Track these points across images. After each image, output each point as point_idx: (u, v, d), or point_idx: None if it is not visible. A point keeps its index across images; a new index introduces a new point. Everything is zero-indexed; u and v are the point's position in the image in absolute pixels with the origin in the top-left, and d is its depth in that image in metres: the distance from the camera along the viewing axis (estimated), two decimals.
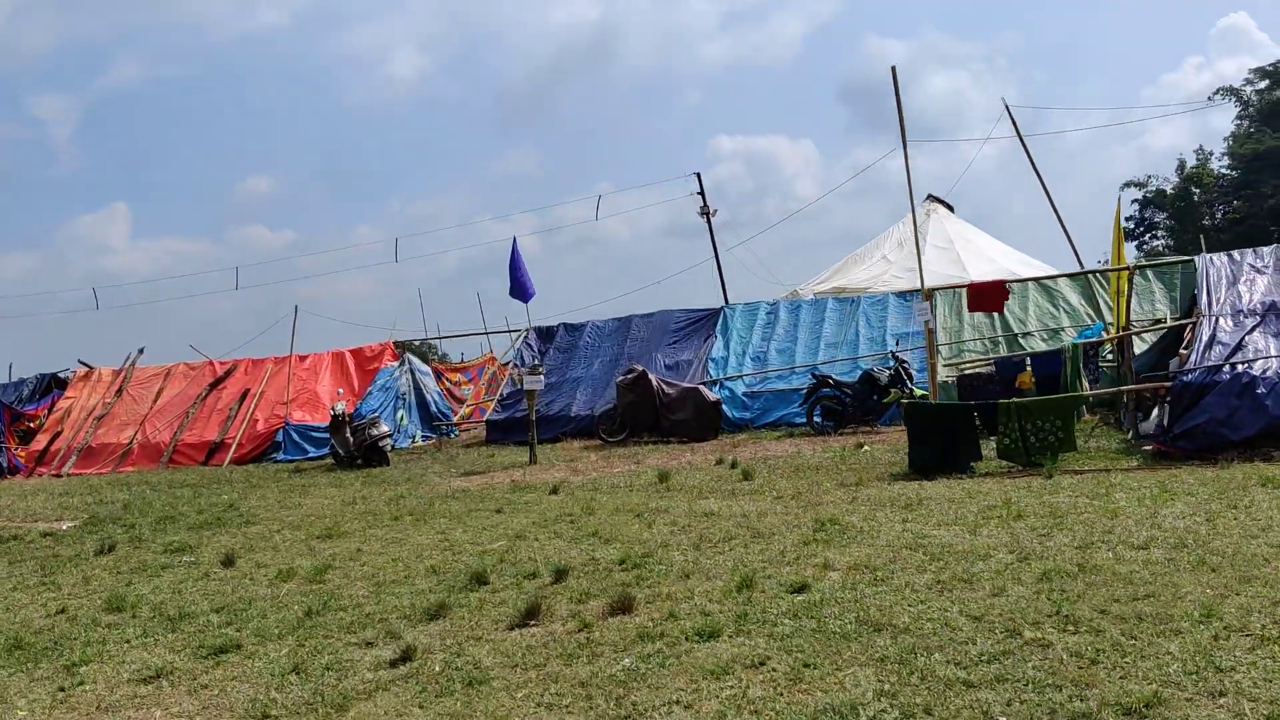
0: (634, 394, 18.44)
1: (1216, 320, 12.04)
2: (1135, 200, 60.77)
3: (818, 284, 25.32)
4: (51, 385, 26.01)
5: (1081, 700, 4.73)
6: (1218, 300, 12.39)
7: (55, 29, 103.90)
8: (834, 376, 17.90)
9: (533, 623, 6.75)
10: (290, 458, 21.01)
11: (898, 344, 18.43)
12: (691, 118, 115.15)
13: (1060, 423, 11.57)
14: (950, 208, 25.90)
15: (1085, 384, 14.20)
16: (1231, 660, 5.10)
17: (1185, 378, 11.45)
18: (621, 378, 18.93)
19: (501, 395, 22.06)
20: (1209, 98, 62.24)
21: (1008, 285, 15.08)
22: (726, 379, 19.79)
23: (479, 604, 7.38)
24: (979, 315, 18.83)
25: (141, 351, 25.75)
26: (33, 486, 19.89)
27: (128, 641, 7.13)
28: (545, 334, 23.08)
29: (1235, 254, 13.19)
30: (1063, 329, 18.38)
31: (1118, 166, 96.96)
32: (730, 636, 6.09)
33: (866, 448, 14.66)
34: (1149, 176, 61.19)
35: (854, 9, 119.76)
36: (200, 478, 18.85)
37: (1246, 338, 11.58)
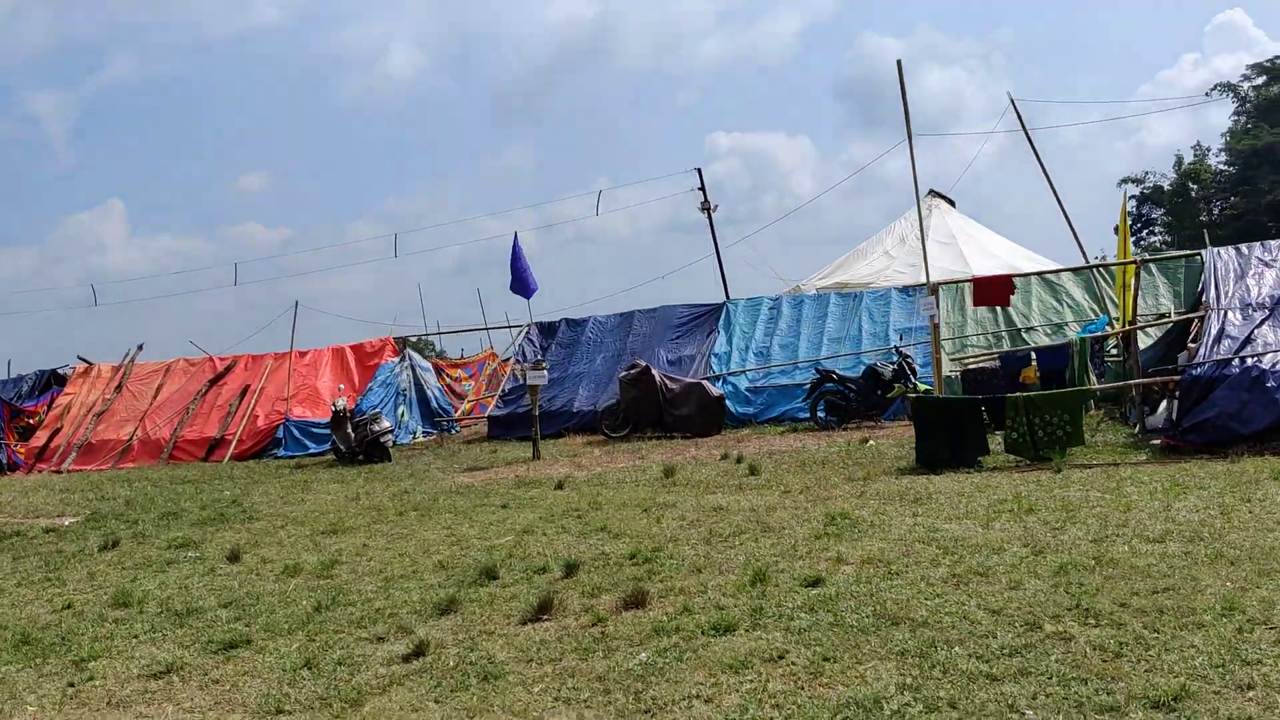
0: (637, 389, 18.37)
1: (1225, 314, 12.00)
2: (1133, 196, 60.69)
3: (820, 279, 25.29)
4: (51, 381, 25.90)
5: (1108, 694, 4.68)
6: (1226, 294, 12.34)
7: (50, 26, 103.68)
8: (837, 371, 17.86)
9: (545, 617, 6.70)
10: (291, 454, 20.92)
11: (901, 339, 18.38)
12: (688, 115, 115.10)
13: (1068, 417, 11.52)
14: (952, 203, 25.88)
15: (1093, 378, 14.15)
16: (1257, 653, 5.05)
17: (1195, 371, 11.41)
18: (624, 373, 18.85)
19: (503, 391, 21.98)
20: (1206, 93, 62.19)
21: (1014, 280, 15.02)
22: (729, 374, 19.73)
23: (489, 599, 7.32)
24: (982, 310, 18.79)
25: (141, 348, 25.68)
26: (33, 483, 19.80)
27: (136, 637, 7.07)
28: (547, 329, 23.01)
29: (1243, 247, 13.15)
30: (1066, 324, 18.33)
31: (1115, 163, 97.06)
32: (746, 630, 6.04)
33: (872, 442, 14.60)
34: (1146, 173, 61.14)
35: (850, 6, 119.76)
36: (201, 474, 18.76)
37: (1255, 331, 11.54)
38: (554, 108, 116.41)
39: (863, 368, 18.05)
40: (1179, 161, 61.57)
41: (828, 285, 23.73)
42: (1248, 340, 11.48)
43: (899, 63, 16.03)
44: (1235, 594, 5.98)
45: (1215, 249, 13.45)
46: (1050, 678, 4.92)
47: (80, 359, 26.00)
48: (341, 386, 21.98)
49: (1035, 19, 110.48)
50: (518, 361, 22.31)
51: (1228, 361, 11.34)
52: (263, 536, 10.87)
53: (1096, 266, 19.31)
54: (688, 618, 6.36)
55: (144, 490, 16.42)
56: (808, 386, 17.87)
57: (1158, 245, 59.23)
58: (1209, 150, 61.14)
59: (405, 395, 22.37)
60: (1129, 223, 56.02)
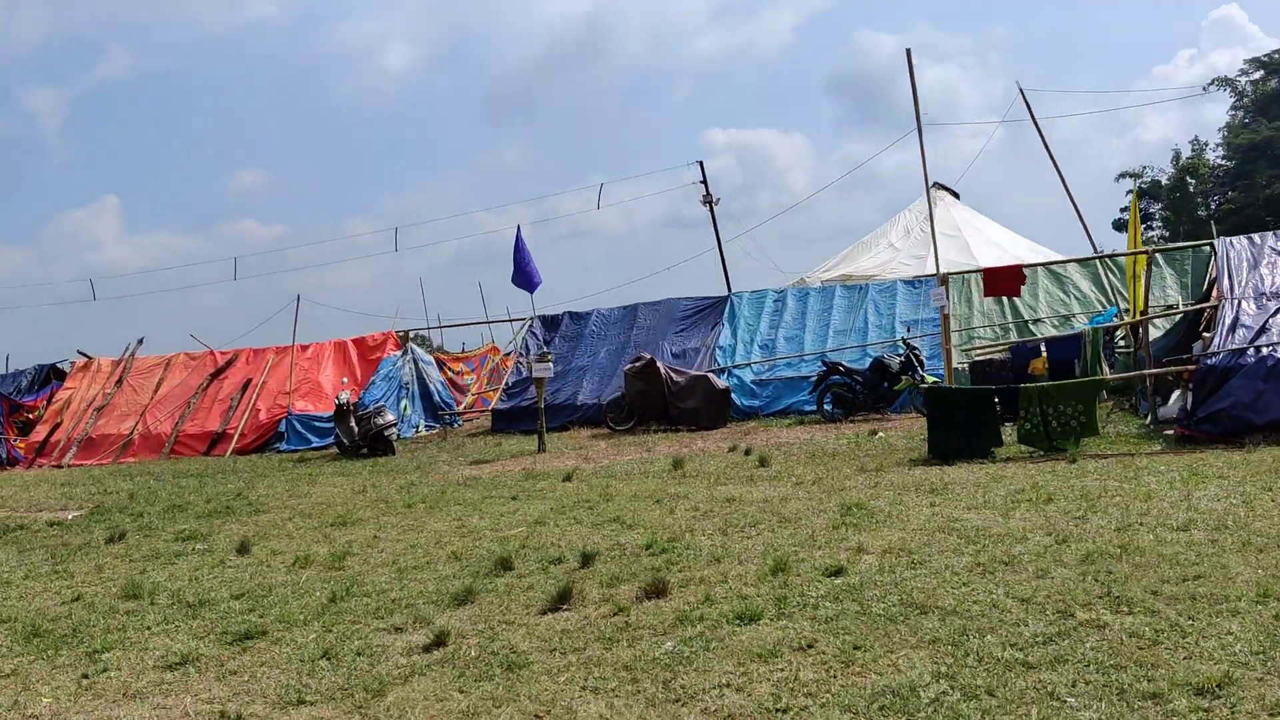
0: (642, 382, 18.27)
1: (1239, 303, 11.92)
2: (1130, 191, 60.65)
3: (824, 272, 25.18)
4: (50, 376, 25.72)
5: (1149, 680, 4.59)
6: (1239, 283, 12.26)
7: (44, 21, 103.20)
8: (844, 364, 17.75)
9: (565, 607, 6.60)
10: (293, 448, 20.80)
11: (909, 330, 18.27)
12: (683, 111, 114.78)
13: (1082, 407, 11.44)
14: (956, 195, 25.79)
15: (1106, 368, 14.07)
16: None
17: (1210, 361, 11.33)
18: (629, 366, 18.74)
19: (507, 384, 21.86)
20: (1204, 88, 62.18)
21: (1024, 269, 14.94)
22: (734, 367, 19.62)
23: (507, 589, 7.23)
24: (989, 302, 18.68)
25: (141, 342, 25.52)
26: (33, 477, 19.68)
27: (148, 628, 6.96)
28: (550, 322, 22.88)
29: (1256, 237, 13.07)
30: (1074, 315, 18.24)
31: (1111, 159, 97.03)
32: (772, 619, 5.95)
33: (881, 434, 14.51)
34: (1144, 167, 61.05)
35: (846, 2, 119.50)
36: (204, 468, 18.66)
37: (1270, 321, 11.45)
38: (549, 104, 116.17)
39: (869, 360, 17.94)
40: (1177, 156, 61.52)
41: (832, 278, 23.63)
42: (1263, 330, 11.39)
43: (908, 51, 15.95)
44: (1268, 581, 5.89)
45: (1227, 238, 13.36)
46: (1088, 665, 4.84)
47: (80, 353, 25.85)
48: (345, 380, 21.86)
49: (1031, 15, 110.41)
50: (521, 355, 22.20)
51: (1243, 351, 11.26)
52: (270, 529, 10.77)
53: (1107, 257, 19.20)
54: (710, 607, 6.27)
55: (146, 484, 16.31)
56: (814, 379, 17.76)
57: (1156, 240, 59.18)
58: (1207, 145, 61.07)
59: (408, 389, 22.24)
60: (1122, 218, 56.00)
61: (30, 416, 24.24)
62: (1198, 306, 13.78)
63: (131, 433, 22.47)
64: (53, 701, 5.61)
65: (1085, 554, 6.79)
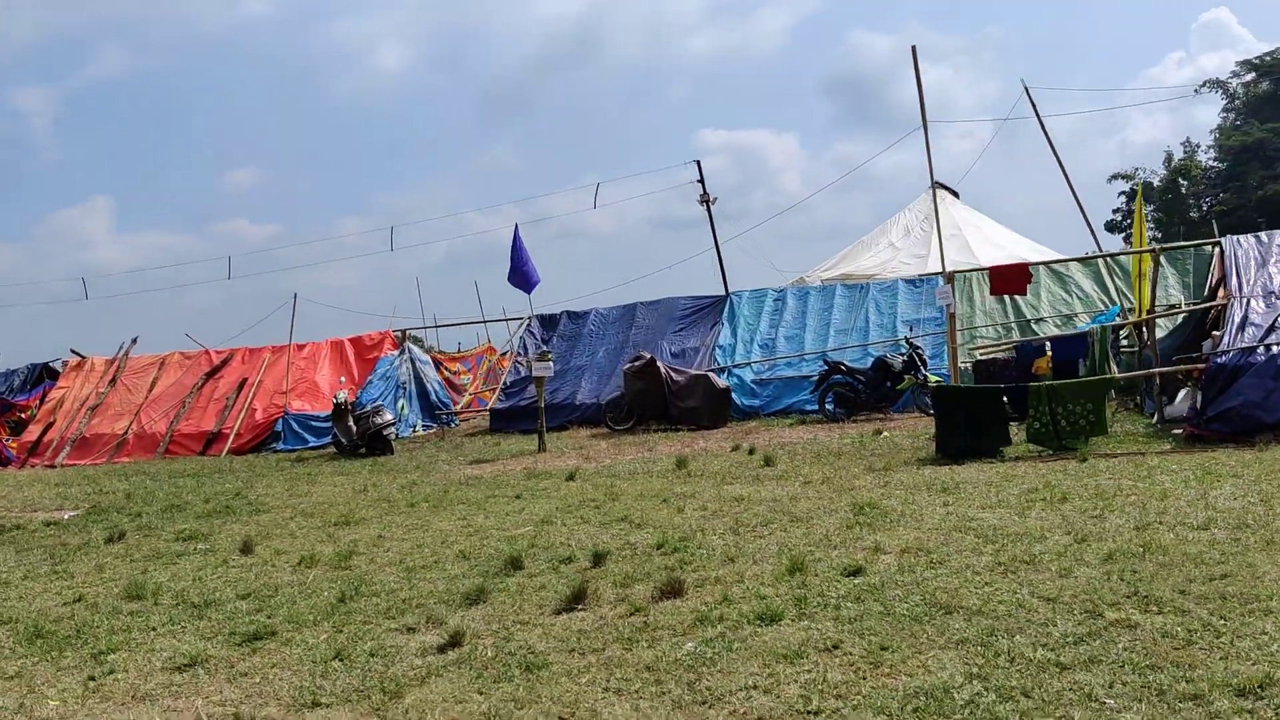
0: (642, 381, 18.15)
1: (1248, 302, 11.85)
2: (1122, 192, 60.80)
3: (824, 271, 25.10)
4: (43, 375, 25.49)
5: (1188, 681, 4.49)
6: (1247, 281, 12.20)
7: (36, 20, 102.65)
8: (846, 363, 17.65)
9: (580, 607, 6.49)
10: (290, 447, 20.62)
11: (912, 330, 18.18)
12: (677, 111, 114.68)
13: (1091, 406, 11.35)
14: (956, 194, 25.73)
15: (1114, 367, 14.00)
16: None
17: (1219, 360, 11.26)
18: (629, 365, 18.62)
19: (505, 384, 21.72)
20: (1196, 90, 62.33)
21: (1031, 268, 14.87)
22: (734, 366, 19.51)
23: (518, 588, 7.11)
24: (991, 301, 18.63)
25: (135, 341, 25.30)
26: (27, 477, 19.47)
27: (154, 629, 6.83)
28: (548, 322, 22.75)
29: (1263, 235, 13.01)
30: (1076, 314, 18.19)
31: (1101, 161, 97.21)
32: (793, 620, 5.84)
33: (886, 434, 14.42)
34: (1136, 169, 61.17)
35: (839, 2, 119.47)
36: (200, 467, 18.48)
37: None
38: (543, 104, 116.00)
39: (870, 359, 17.86)
40: (1169, 158, 61.67)
41: (832, 277, 23.54)
42: (1272, 328, 11.33)
43: (914, 49, 15.87)
44: None
45: (1234, 237, 13.31)
46: (1123, 666, 4.74)
47: (73, 352, 25.62)
48: (343, 379, 21.70)
49: (1023, 17, 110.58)
50: (519, 354, 22.06)
51: (1252, 349, 11.19)
52: (272, 528, 10.63)
53: (1112, 256, 19.15)
54: (729, 607, 6.17)
55: (142, 484, 16.13)
56: (816, 378, 17.66)
57: (1148, 241, 59.30)
58: (1199, 147, 61.25)
59: (405, 388, 22.09)
60: (1113, 219, 56.01)
61: (23, 416, 24.02)
62: (1205, 305, 13.71)
63: (126, 432, 22.27)
64: (60, 704, 5.48)
65: (1107, 553, 6.69)
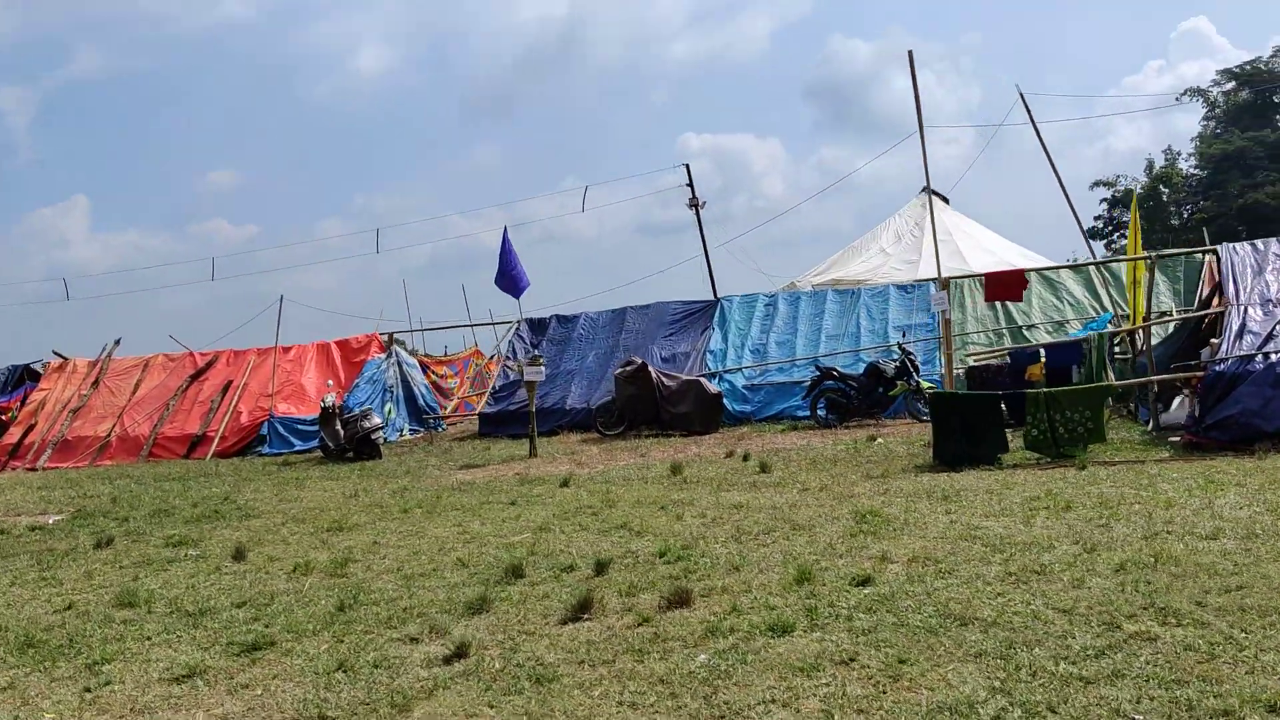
0: (634, 386, 18.04)
1: (1245, 310, 11.84)
2: (1104, 200, 61.18)
3: (814, 276, 25.05)
4: (24, 377, 25.16)
5: (1216, 697, 4.42)
6: (1244, 289, 12.19)
7: (13, 20, 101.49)
8: (838, 369, 17.59)
9: (586, 617, 6.38)
10: (276, 451, 20.40)
11: (905, 335, 18.14)
12: (659, 115, 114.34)
13: (1089, 413, 11.33)
14: (946, 200, 25.74)
15: (1111, 374, 13.98)
16: None
17: (1218, 368, 11.24)
18: (620, 370, 18.50)
19: (494, 388, 21.58)
20: (1177, 98, 62.74)
21: (1026, 274, 14.84)
22: (725, 372, 19.42)
23: (521, 597, 6.99)
24: (982, 307, 18.64)
25: (118, 342, 25.04)
26: (8, 480, 19.20)
27: (148, 638, 6.68)
28: (537, 326, 22.60)
29: (1259, 243, 13.02)
30: (1068, 321, 18.20)
31: (1081, 168, 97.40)
32: (805, 631, 5.75)
33: (880, 440, 14.36)
34: (1118, 176, 61.60)
35: (821, 8, 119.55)
36: (185, 471, 18.25)
37: (1278, 327, 11.38)
38: (524, 107, 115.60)
39: (862, 365, 17.83)
40: (1150, 165, 62.10)
41: (823, 282, 23.49)
42: (1270, 336, 11.32)
43: (910, 53, 15.78)
44: None
45: (1230, 245, 13.31)
46: (1147, 680, 4.66)
47: (55, 354, 25.33)
48: (330, 382, 21.49)
49: (1004, 24, 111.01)
50: (509, 358, 21.91)
51: (1250, 358, 11.18)
52: (264, 534, 10.47)
53: (1107, 262, 19.18)
54: (738, 618, 6.07)
55: (127, 488, 15.92)
56: (808, 384, 17.59)
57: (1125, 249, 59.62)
58: (1180, 154, 61.72)
59: (392, 392, 21.90)
60: (1095, 226, 56.33)
61: (3, 418, 23.69)
62: (1203, 313, 13.71)
63: (109, 435, 22.01)
64: (56, 717, 5.33)
65: (1119, 563, 6.63)
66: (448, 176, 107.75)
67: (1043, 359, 15.06)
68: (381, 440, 18.28)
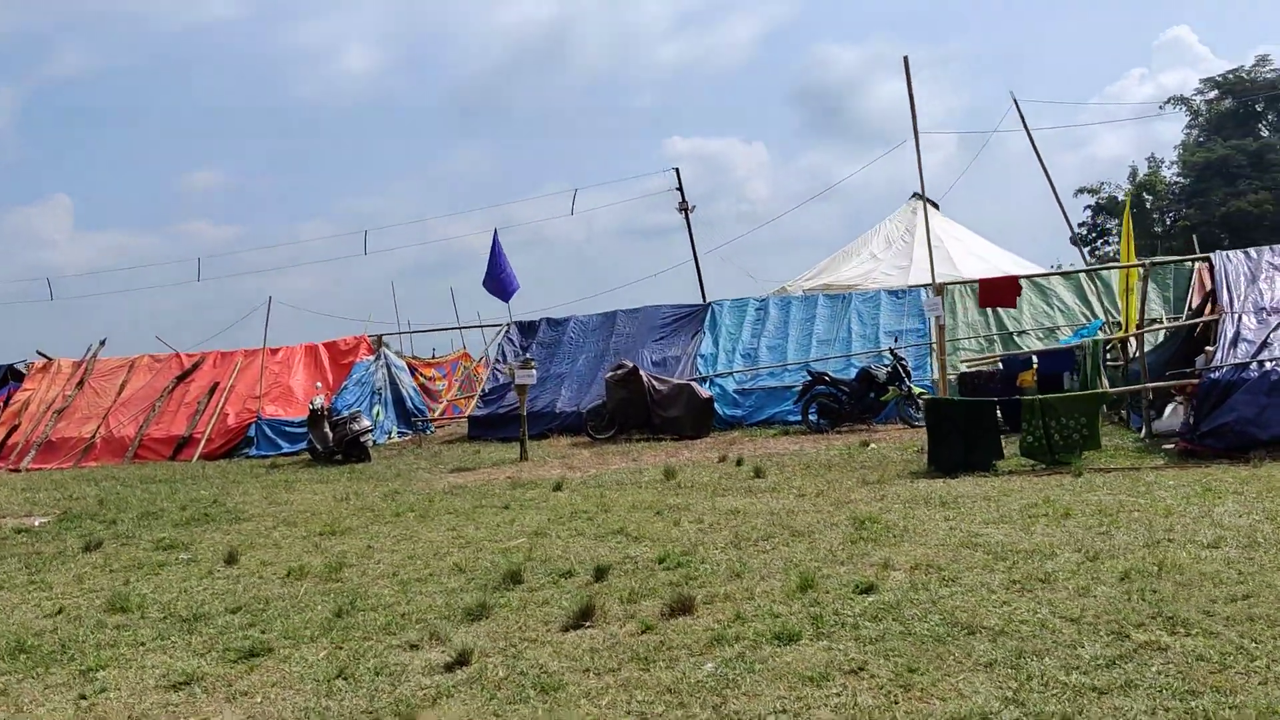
0: (625, 390, 17.97)
1: (1240, 318, 11.87)
2: (1088, 207, 61.55)
3: (805, 281, 25.05)
4: (8, 377, 24.89)
5: (1232, 708, 4.39)
6: (1239, 297, 12.22)
7: None
8: (829, 374, 17.56)
9: (588, 624, 6.31)
10: (264, 453, 20.24)
11: (896, 340, 18.14)
12: (645, 119, 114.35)
13: (1085, 420, 11.32)
14: (936, 205, 25.77)
15: (1105, 381, 13.99)
16: None
17: (1213, 375, 11.26)
18: (611, 374, 18.43)
19: (483, 391, 21.46)
20: (1160, 107, 63.23)
21: (1020, 280, 14.86)
22: (716, 376, 19.38)
23: (521, 604, 6.92)
24: (974, 313, 18.66)
25: (103, 343, 24.81)
26: None
27: (143, 644, 6.58)
28: (527, 329, 22.51)
29: (1252, 251, 13.05)
30: (1058, 327, 18.23)
31: (1065, 176, 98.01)
32: (812, 640, 5.70)
33: (873, 445, 14.34)
34: (1102, 183, 61.99)
35: (807, 14, 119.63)
36: (171, 473, 18.07)
37: (1272, 335, 11.41)
38: (510, 110, 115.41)
39: (853, 370, 17.82)
40: (1134, 173, 62.50)
41: (814, 287, 23.47)
42: (1264, 344, 11.34)
43: (905, 59, 15.81)
44: None
45: (1224, 252, 13.34)
46: (1161, 691, 4.63)
47: (39, 354, 25.08)
48: (318, 385, 21.34)
49: (987, 32, 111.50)
50: (499, 361, 21.81)
51: (1245, 365, 11.20)
52: (255, 538, 10.36)
53: (1099, 269, 19.23)
54: (743, 626, 6.01)
55: (113, 490, 15.75)
56: (799, 389, 17.56)
57: (1112, 255, 59.95)
58: (1163, 162, 62.17)
59: (380, 394, 21.78)
60: (1079, 233, 56.67)
61: None
62: (1197, 320, 13.74)
63: (93, 436, 21.78)
64: None
65: (1123, 571, 6.60)
66: (433, 178, 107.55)
67: (1035, 366, 15.08)
68: (371, 443, 18.17)
